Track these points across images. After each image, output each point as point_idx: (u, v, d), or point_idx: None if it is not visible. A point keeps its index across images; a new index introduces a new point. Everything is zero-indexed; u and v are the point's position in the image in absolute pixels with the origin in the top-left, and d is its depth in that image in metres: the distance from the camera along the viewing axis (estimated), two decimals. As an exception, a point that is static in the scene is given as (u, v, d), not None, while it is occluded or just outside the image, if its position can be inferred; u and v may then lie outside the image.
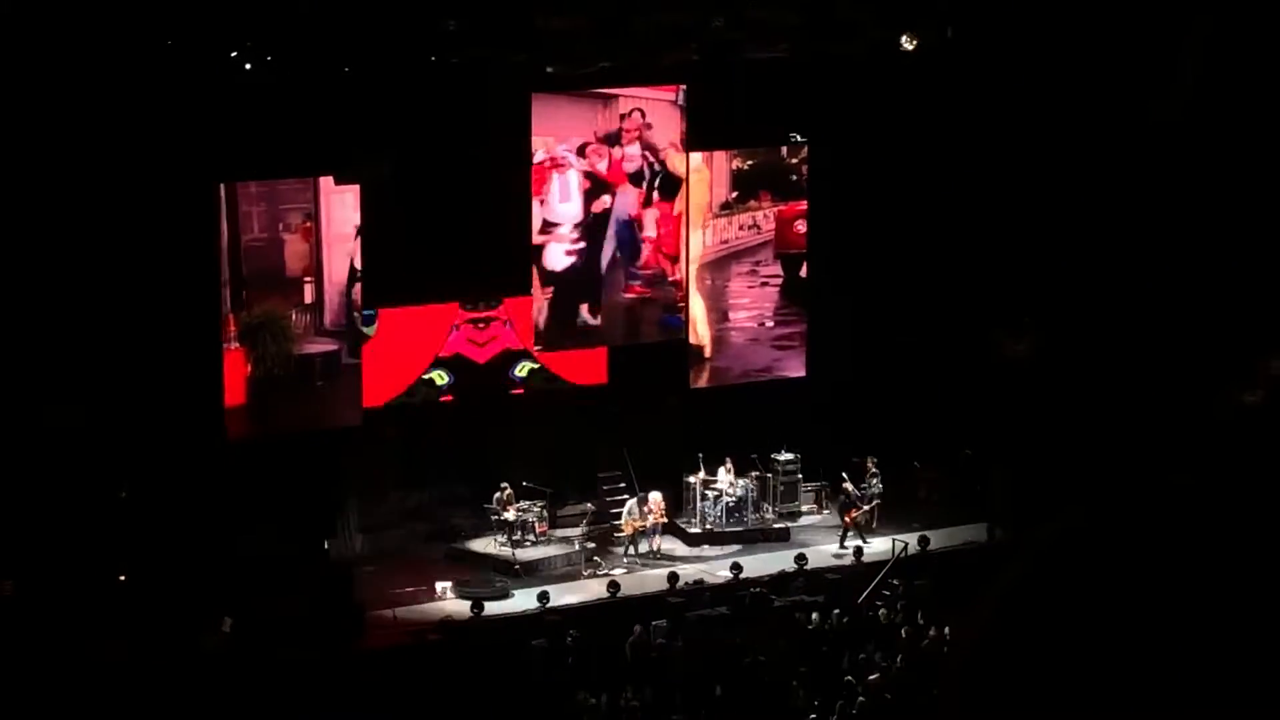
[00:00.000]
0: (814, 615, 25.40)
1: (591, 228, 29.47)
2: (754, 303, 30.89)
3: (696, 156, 30.04)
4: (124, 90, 25.12)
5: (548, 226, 29.22)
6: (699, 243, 30.25)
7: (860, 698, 22.33)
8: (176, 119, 25.47)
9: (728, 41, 28.81)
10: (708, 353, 30.69)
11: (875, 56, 29.56)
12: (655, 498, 28.32)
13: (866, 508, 28.93)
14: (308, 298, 27.19)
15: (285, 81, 25.89)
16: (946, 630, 24.04)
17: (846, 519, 28.86)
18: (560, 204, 29.27)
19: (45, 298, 25.54)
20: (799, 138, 30.51)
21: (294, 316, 27.09)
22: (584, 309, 29.67)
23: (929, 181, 30.61)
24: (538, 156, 28.91)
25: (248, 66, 25.75)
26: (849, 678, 23.05)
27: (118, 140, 25.29)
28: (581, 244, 29.34)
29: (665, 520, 28.44)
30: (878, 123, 30.32)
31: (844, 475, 29.13)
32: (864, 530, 28.80)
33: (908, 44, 29.42)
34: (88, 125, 25.12)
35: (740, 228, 30.56)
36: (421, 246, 27.79)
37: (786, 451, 29.91)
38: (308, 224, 27.07)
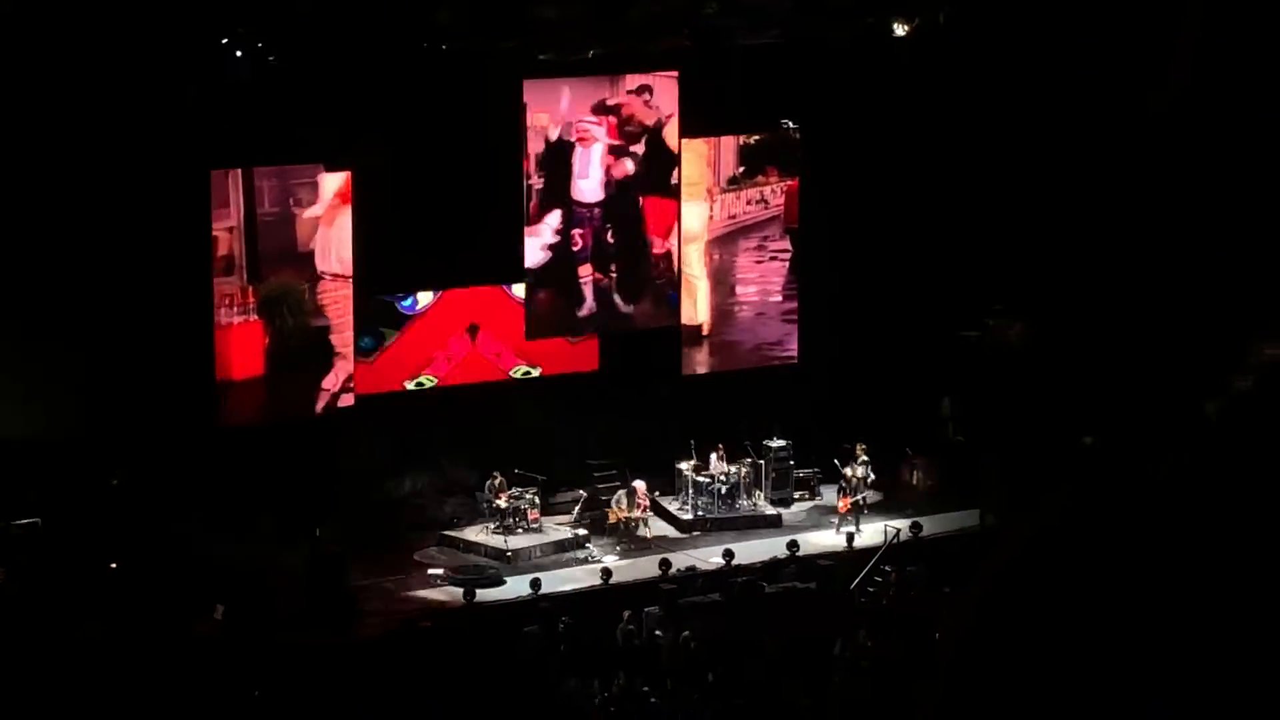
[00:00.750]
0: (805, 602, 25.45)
1: (607, 205, 29.50)
2: (762, 278, 30.90)
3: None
4: (115, 77, 25.10)
5: (547, 210, 29.17)
6: (699, 220, 30.21)
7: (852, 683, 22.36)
8: (168, 106, 25.45)
9: (721, 28, 28.84)
10: (705, 330, 30.64)
11: (868, 42, 29.58)
12: (640, 486, 28.34)
13: (867, 494, 28.91)
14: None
15: (276, 68, 25.88)
16: (938, 615, 24.10)
17: (841, 505, 28.88)
18: (580, 180, 29.30)
19: (36, 286, 25.52)
20: (791, 125, 30.49)
21: (307, 290, 27.24)
22: (616, 293, 29.69)
23: (922, 168, 30.60)
24: (558, 131, 28.87)
25: (239, 54, 25.75)
26: (841, 664, 23.10)
27: (109, 126, 25.26)
28: (559, 239, 29.33)
29: (648, 504, 28.41)
30: (870, 108, 30.31)
31: (837, 462, 29.15)
32: (858, 516, 28.80)
33: (900, 29, 29.44)
34: (78, 111, 25.10)
35: (748, 203, 30.57)
36: (413, 234, 27.80)
37: (779, 438, 29.94)
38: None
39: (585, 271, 29.57)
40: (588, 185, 29.34)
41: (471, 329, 29.04)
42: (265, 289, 26.86)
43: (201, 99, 25.62)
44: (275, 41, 25.92)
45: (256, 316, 26.87)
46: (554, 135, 28.89)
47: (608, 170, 29.41)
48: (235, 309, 26.72)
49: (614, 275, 29.77)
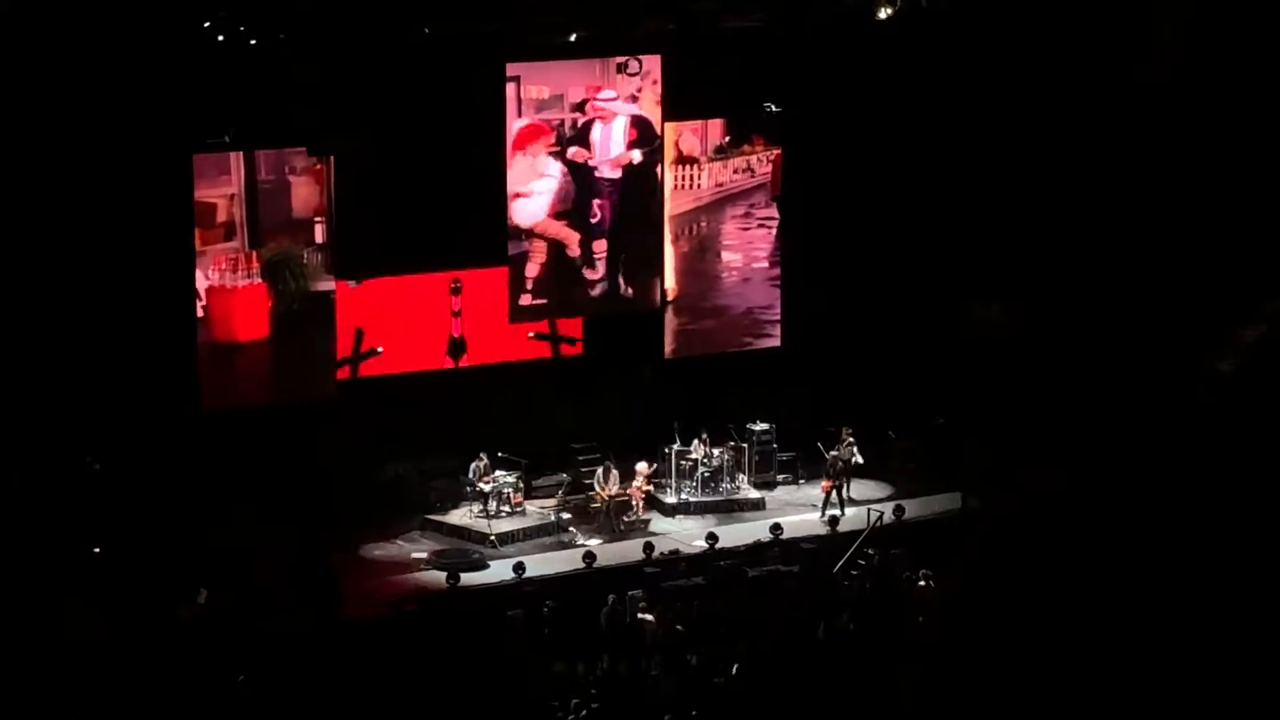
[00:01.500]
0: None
1: (624, 182, 29.83)
2: (750, 244, 31.12)
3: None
4: (96, 60, 25.10)
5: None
6: (667, 190, 30.38)
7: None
8: (150, 89, 25.45)
9: (703, 11, 28.90)
10: (671, 295, 30.75)
11: (850, 25, 29.66)
12: (641, 468, 28.41)
13: (835, 482, 28.95)
14: (319, 237, 27.65)
15: (258, 52, 25.91)
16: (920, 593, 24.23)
17: (822, 488, 28.94)
18: (600, 156, 29.65)
19: (16, 271, 25.51)
20: (773, 108, 30.54)
21: (305, 255, 27.57)
22: (622, 274, 30.08)
23: (904, 152, 30.63)
24: (574, 104, 29.19)
25: (221, 38, 25.76)
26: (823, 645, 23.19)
27: (91, 108, 25.27)
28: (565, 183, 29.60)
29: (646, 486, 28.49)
30: (853, 91, 30.34)
31: (820, 445, 29.19)
32: (840, 498, 28.84)
33: (884, 13, 29.53)
34: (59, 93, 25.11)
35: (735, 171, 30.82)
36: (395, 217, 27.85)
37: (761, 422, 30.00)
38: (318, 166, 27.43)
39: (600, 247, 29.82)
40: (606, 161, 29.59)
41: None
42: (268, 253, 27.30)
43: (182, 81, 25.64)
44: (257, 25, 25.91)
45: (261, 280, 27.27)
46: (569, 107, 29.16)
47: (629, 147, 29.66)
48: (240, 273, 27.07)
49: (624, 257, 29.99)
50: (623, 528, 28.03)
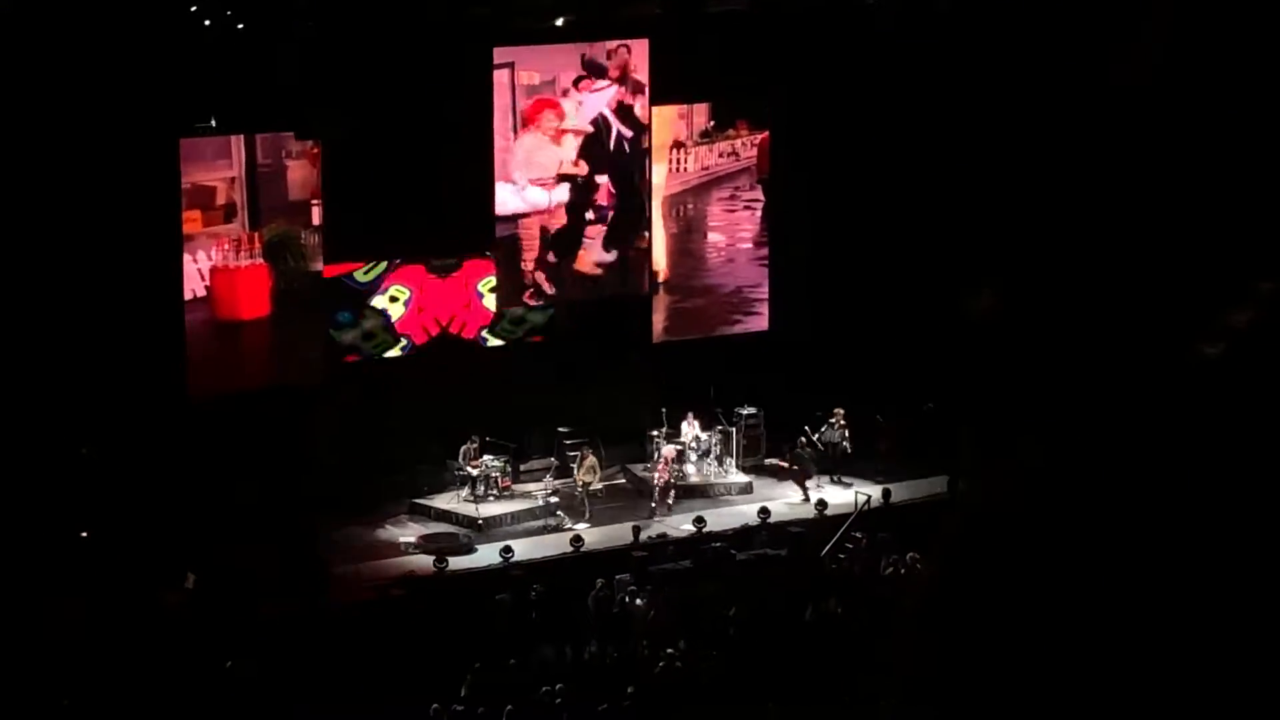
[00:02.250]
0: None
1: (623, 166, 30.21)
2: (736, 225, 31.36)
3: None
4: (85, 45, 25.07)
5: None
6: (659, 174, 30.56)
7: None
8: (136, 72, 25.44)
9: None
10: (663, 276, 30.92)
11: (836, 9, 29.67)
12: (669, 452, 28.48)
13: (794, 466, 29.04)
14: (315, 220, 27.90)
15: (245, 37, 25.91)
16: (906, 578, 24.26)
17: (789, 467, 29.09)
18: (614, 146, 30.07)
19: (7, 256, 25.48)
20: (761, 93, 30.60)
21: (303, 236, 27.92)
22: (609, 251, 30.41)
23: (892, 136, 30.63)
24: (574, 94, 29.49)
25: (207, 22, 25.75)
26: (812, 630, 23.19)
27: (77, 94, 25.23)
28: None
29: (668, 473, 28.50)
30: (839, 76, 30.35)
31: (808, 429, 29.22)
32: (813, 475, 28.90)
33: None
34: (48, 79, 25.06)
35: (720, 155, 31.00)
36: (383, 205, 27.87)
37: (749, 405, 30.03)
38: (315, 149, 27.62)
39: (593, 230, 30.10)
40: (618, 149, 30.10)
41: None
42: (269, 233, 27.62)
43: (169, 65, 25.63)
44: (243, 8, 25.90)
45: (262, 260, 27.63)
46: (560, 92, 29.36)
47: (630, 133, 30.10)
48: (243, 254, 27.40)
49: (616, 240, 30.25)
50: (663, 513, 28.01)
